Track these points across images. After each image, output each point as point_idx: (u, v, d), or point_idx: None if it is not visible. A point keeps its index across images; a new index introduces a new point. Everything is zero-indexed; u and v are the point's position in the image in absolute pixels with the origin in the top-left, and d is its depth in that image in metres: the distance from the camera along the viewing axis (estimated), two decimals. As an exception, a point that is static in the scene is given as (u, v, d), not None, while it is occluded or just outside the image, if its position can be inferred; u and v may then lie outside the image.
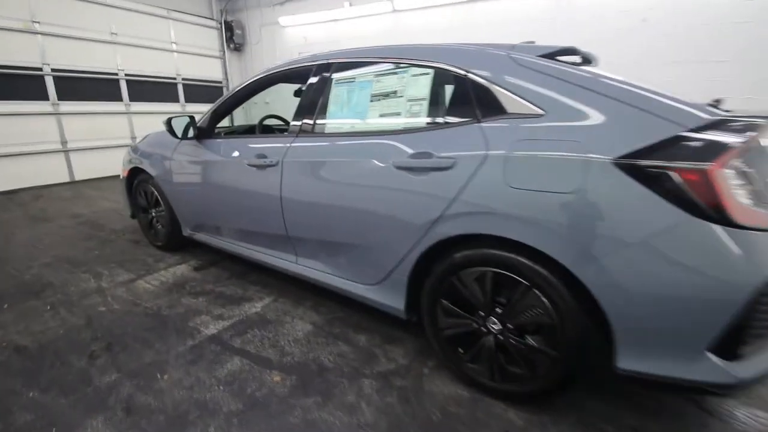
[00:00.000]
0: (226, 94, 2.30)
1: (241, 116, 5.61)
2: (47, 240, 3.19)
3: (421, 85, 1.51)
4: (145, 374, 1.58)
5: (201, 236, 2.54)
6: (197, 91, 7.30)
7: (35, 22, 4.97)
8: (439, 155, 1.36)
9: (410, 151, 1.43)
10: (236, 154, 2.12)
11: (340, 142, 1.69)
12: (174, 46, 6.77)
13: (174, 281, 2.43)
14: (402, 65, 1.57)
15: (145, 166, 2.71)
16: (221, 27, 7.52)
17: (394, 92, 1.58)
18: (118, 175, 3.10)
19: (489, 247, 1.29)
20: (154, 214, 2.86)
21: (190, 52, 7.05)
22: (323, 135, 1.77)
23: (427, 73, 1.50)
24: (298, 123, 1.86)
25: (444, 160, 1.34)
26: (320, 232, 1.80)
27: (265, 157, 1.91)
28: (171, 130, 2.23)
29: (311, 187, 1.73)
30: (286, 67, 2.02)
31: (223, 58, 7.71)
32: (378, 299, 1.67)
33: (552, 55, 1.41)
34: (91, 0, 5.50)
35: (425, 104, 1.49)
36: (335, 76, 1.77)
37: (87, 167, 5.71)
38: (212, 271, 2.59)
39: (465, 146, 1.32)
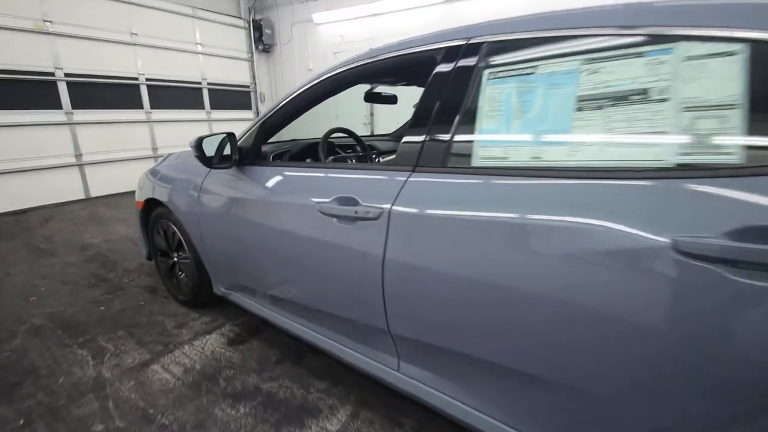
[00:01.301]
0: (278, 101, 1.55)
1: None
2: (45, 287, 2.53)
3: (719, 75, 0.72)
4: None
5: (239, 299, 1.81)
6: (224, 97, 6.69)
7: (47, 21, 4.41)
8: None
9: (736, 220, 0.64)
10: (299, 192, 1.37)
11: (512, 183, 0.91)
12: (199, 48, 6.18)
13: (202, 367, 1.70)
14: (655, 39, 0.79)
15: (164, 197, 2.00)
16: (249, 26, 6.90)
17: (641, 92, 0.79)
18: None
19: None
20: (176, 259, 2.16)
21: (216, 54, 6.44)
22: (470, 170, 0.99)
23: (733, 53, 0.71)
24: (415, 144, 1.09)
25: None
26: (461, 340, 1.02)
27: (354, 202, 1.15)
28: (202, 156, 1.49)
29: (454, 262, 0.96)
30: (386, 55, 1.26)
31: (251, 60, 7.09)
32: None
33: None
34: (109, -4, 4.93)
35: (738, 115, 0.70)
36: (490, 64, 0.99)
37: (104, 182, 5.14)
38: (254, 346, 1.85)
39: None
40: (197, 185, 1.78)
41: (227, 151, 1.57)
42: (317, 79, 1.44)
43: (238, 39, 6.85)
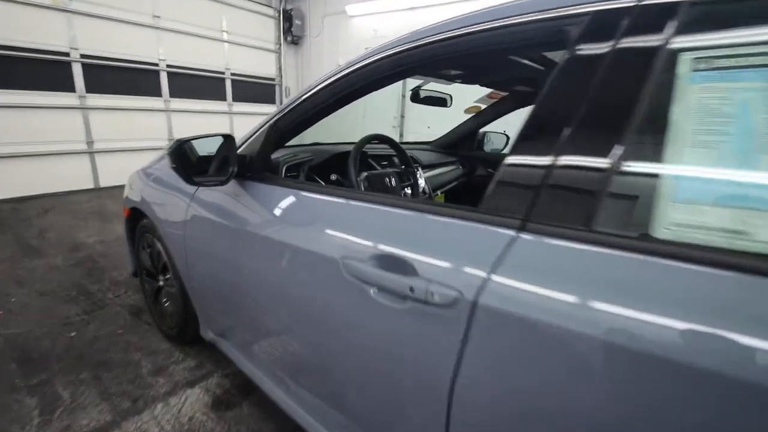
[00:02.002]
0: (297, 95, 1.11)
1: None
2: (17, 297, 2.17)
3: None
4: None
5: (232, 352, 1.37)
6: (247, 89, 6.35)
7: (66, -3, 4.13)
8: None
9: None
10: (317, 229, 0.92)
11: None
12: (225, 36, 5.84)
13: (174, 443, 1.28)
14: None
15: (146, 207, 1.60)
16: (279, 16, 6.54)
17: None
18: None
19: None
20: (162, 283, 1.75)
21: (242, 44, 6.10)
22: (649, 244, 0.51)
23: None
24: (526, 179, 0.62)
25: None
26: None
27: (406, 269, 0.69)
28: (180, 168, 1.06)
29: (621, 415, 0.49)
30: (466, 29, 0.80)
31: (278, 52, 6.73)
32: None
33: None
34: (132, -25, 4.63)
35: None
36: (696, 45, 0.52)
37: (115, 172, 4.83)
38: (244, 414, 1.41)
39: None
40: (186, 199, 1.35)
41: (224, 160, 1.14)
42: (349, 67, 1.00)
43: (266, 29, 6.49)
